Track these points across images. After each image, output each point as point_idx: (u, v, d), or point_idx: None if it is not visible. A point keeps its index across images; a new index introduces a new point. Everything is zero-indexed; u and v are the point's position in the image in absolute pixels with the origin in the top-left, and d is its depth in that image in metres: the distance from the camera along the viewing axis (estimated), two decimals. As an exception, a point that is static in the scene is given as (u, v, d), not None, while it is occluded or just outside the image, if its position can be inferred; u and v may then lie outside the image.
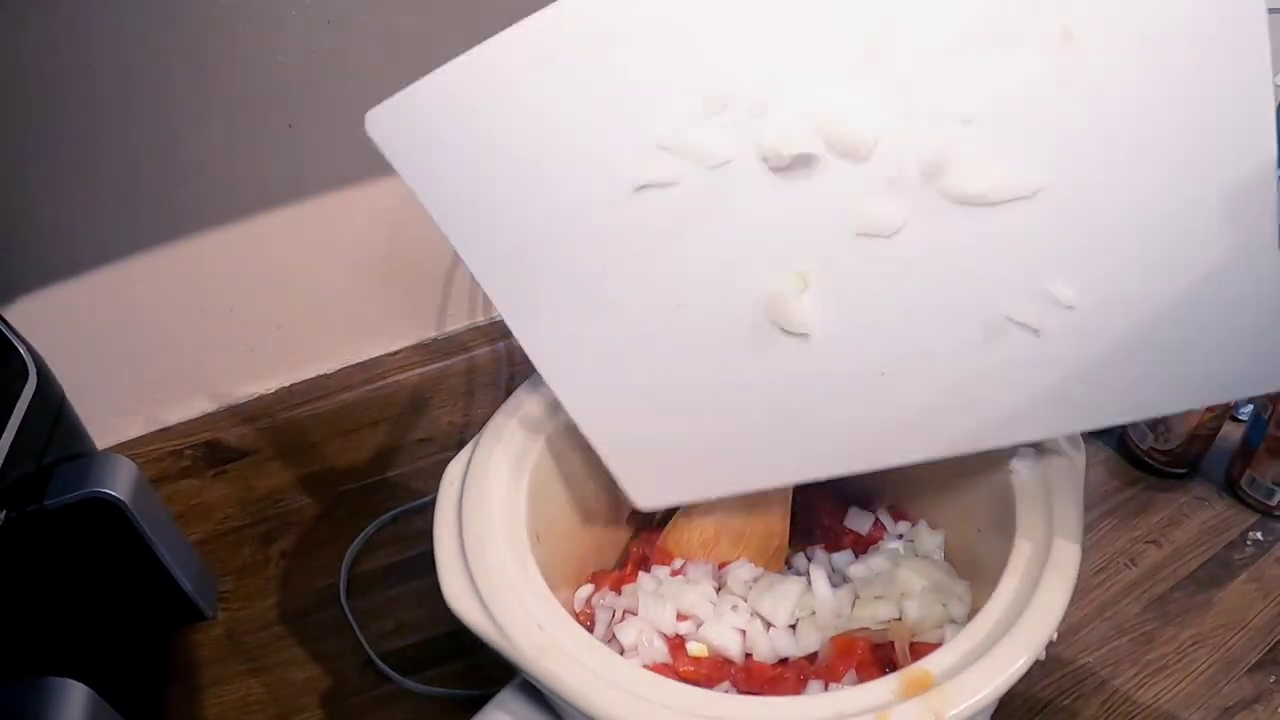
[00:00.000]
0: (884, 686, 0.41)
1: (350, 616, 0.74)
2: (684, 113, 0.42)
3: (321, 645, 0.72)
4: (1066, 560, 0.46)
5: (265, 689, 0.69)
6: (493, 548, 0.48)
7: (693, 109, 0.42)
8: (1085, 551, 0.70)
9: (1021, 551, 0.47)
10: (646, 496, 0.55)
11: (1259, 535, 0.76)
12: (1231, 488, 0.80)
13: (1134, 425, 0.83)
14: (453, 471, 0.54)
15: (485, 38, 0.72)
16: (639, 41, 0.41)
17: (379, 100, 0.74)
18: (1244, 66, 0.34)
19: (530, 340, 0.52)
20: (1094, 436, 0.87)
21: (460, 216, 0.50)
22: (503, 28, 0.76)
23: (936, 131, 0.39)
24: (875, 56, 0.39)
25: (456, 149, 0.47)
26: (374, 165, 0.76)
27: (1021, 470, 0.51)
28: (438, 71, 0.46)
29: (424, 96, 0.47)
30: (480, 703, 0.49)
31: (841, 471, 0.51)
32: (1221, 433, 0.80)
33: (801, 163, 0.42)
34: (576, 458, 0.59)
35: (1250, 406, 0.82)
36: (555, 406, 0.56)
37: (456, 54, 0.75)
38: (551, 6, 0.41)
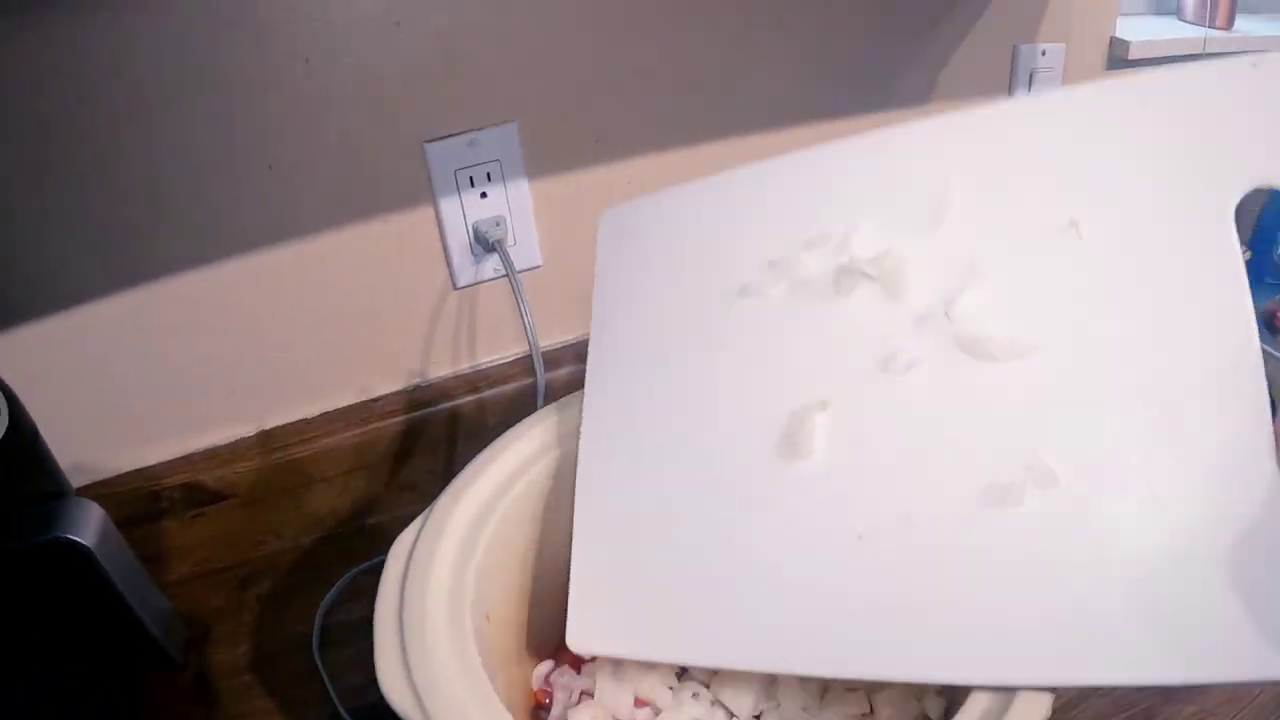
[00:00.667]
0: None
1: (321, 667, 0.73)
2: (793, 242, 0.56)
3: (290, 694, 0.71)
4: None
5: None
6: (430, 634, 0.47)
7: (797, 240, 0.56)
8: None
9: None
10: (582, 637, 0.52)
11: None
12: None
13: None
14: (399, 546, 0.53)
15: (461, 85, 0.71)
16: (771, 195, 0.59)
17: (361, 146, 0.75)
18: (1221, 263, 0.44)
19: (590, 423, 0.57)
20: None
21: (609, 306, 0.60)
22: (475, 78, 0.76)
23: (965, 284, 0.49)
24: (935, 222, 0.52)
25: (640, 251, 0.60)
26: (357, 210, 0.78)
27: None
28: (661, 193, 0.61)
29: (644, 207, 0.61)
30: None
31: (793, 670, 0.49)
32: None
33: (857, 286, 0.53)
34: (536, 533, 0.58)
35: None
36: (513, 476, 0.55)
37: (434, 104, 0.76)
38: (727, 173, 0.61)
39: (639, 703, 0.53)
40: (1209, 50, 1.13)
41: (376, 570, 0.79)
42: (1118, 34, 1.09)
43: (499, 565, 0.55)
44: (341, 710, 0.69)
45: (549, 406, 0.62)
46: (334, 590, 0.80)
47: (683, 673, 0.56)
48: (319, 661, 0.73)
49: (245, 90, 0.71)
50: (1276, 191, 0.43)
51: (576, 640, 0.51)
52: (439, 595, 0.49)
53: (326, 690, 0.71)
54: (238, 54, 0.70)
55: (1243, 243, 1.17)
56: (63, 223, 0.70)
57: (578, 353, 0.91)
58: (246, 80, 0.71)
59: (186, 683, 0.72)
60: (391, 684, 0.45)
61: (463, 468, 0.57)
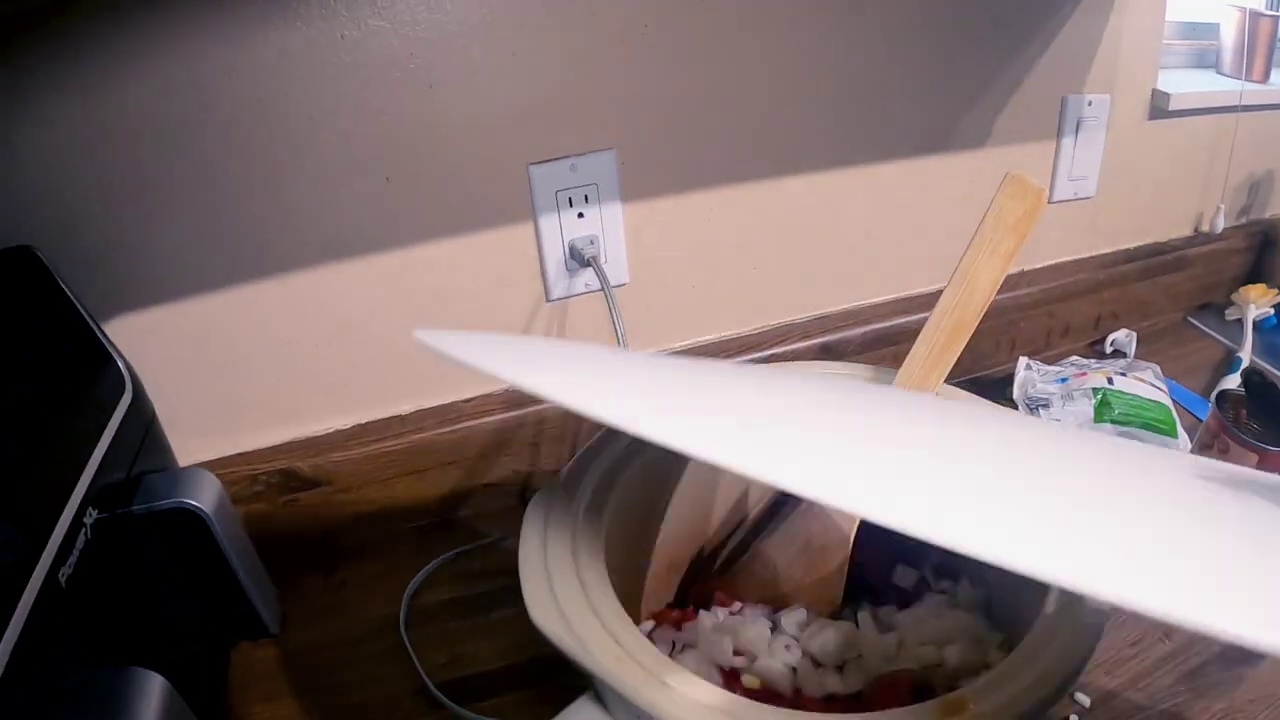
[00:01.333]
0: (923, 709, 0.44)
1: (408, 644, 0.76)
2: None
3: (376, 671, 0.74)
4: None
5: (317, 708, 0.71)
6: (573, 571, 0.53)
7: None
8: (1120, 624, 0.73)
9: (1051, 602, 0.50)
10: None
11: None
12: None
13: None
14: (537, 503, 0.58)
15: (567, 114, 0.74)
16: None
17: (471, 163, 0.80)
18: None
19: None
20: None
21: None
22: (580, 108, 0.80)
23: None
24: None
25: None
26: (463, 223, 0.84)
27: None
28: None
29: None
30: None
31: None
32: None
33: None
34: (651, 499, 0.62)
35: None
36: (633, 451, 0.60)
37: (541, 130, 0.81)
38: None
39: (737, 653, 0.58)
40: (1245, 102, 1.17)
41: (460, 560, 0.85)
42: (1159, 86, 1.13)
43: (621, 523, 0.60)
44: (429, 683, 0.72)
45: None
46: (420, 575, 0.84)
47: (775, 628, 0.61)
48: (406, 640, 0.77)
49: (370, 111, 0.76)
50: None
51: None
52: (577, 542, 0.55)
53: (411, 667, 0.74)
54: (363, 74, 0.76)
55: (1275, 285, 1.20)
56: (189, 217, 0.75)
57: None
58: (372, 102, 0.76)
59: (278, 655, 0.76)
60: (542, 614, 0.50)
61: (550, 470, 0.63)
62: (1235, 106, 1.18)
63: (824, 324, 1.06)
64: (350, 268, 0.82)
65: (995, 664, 0.54)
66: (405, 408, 0.90)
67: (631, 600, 0.64)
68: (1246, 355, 1.15)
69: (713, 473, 0.69)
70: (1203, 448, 0.81)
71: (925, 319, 1.06)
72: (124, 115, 0.70)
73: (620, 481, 0.61)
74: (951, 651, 0.55)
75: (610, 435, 0.63)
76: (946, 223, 1.06)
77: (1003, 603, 0.61)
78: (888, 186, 1.01)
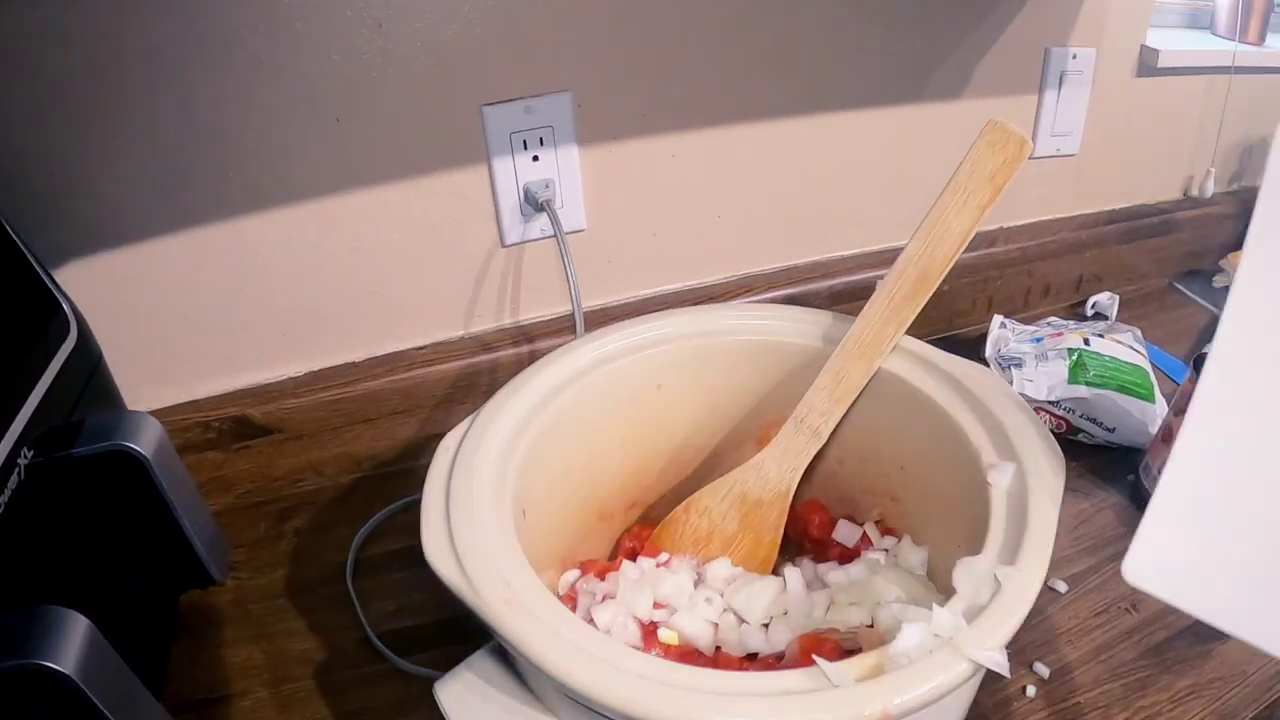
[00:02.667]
0: (834, 669, 0.42)
1: (353, 594, 0.76)
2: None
3: (323, 619, 0.74)
4: (1030, 574, 0.47)
5: (264, 655, 0.71)
6: (476, 509, 0.51)
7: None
8: (1086, 593, 0.72)
9: (987, 558, 0.48)
10: (1143, 569, 0.47)
11: (1269, 593, 0.74)
12: (1244, 541, 0.79)
13: (1148, 472, 0.83)
14: (449, 440, 0.56)
15: (522, 54, 0.72)
16: None
17: (422, 104, 0.78)
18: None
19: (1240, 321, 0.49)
20: (1107, 482, 0.87)
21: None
22: (535, 48, 0.78)
23: None
24: None
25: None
26: (415, 166, 0.81)
27: (999, 482, 0.52)
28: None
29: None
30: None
31: None
32: None
33: None
34: (574, 444, 0.61)
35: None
36: (557, 388, 0.58)
37: (495, 70, 0.78)
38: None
39: (657, 605, 0.56)
40: (1238, 64, 1.14)
41: (410, 509, 0.84)
42: (1148, 43, 1.10)
43: (538, 469, 0.58)
44: (370, 633, 0.72)
45: (595, 332, 0.66)
46: (369, 525, 0.83)
47: (700, 581, 0.60)
48: (351, 589, 0.76)
49: (317, 47, 0.74)
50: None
51: (1135, 570, 0.46)
52: (483, 483, 0.53)
53: (357, 615, 0.73)
54: (312, 13, 0.73)
55: None
56: (134, 160, 0.73)
57: (613, 316, 0.94)
58: (318, 38, 0.74)
59: (224, 602, 0.75)
60: (437, 553, 0.48)
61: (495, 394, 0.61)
62: (1228, 68, 1.15)
63: (790, 275, 1.04)
64: (301, 212, 0.80)
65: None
66: (358, 355, 0.89)
67: (559, 550, 0.62)
68: None
69: (647, 422, 0.68)
70: (1179, 413, 0.79)
71: None
72: (65, 60, 0.68)
73: (537, 424, 0.59)
74: (885, 613, 0.53)
75: (530, 375, 0.61)
76: (919, 175, 1.02)
77: (945, 562, 0.59)
78: (858, 136, 0.99)
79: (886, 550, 0.64)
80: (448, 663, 0.65)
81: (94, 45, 0.68)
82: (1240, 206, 1.27)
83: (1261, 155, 1.20)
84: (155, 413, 0.77)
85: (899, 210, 1.04)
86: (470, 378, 0.91)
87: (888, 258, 1.01)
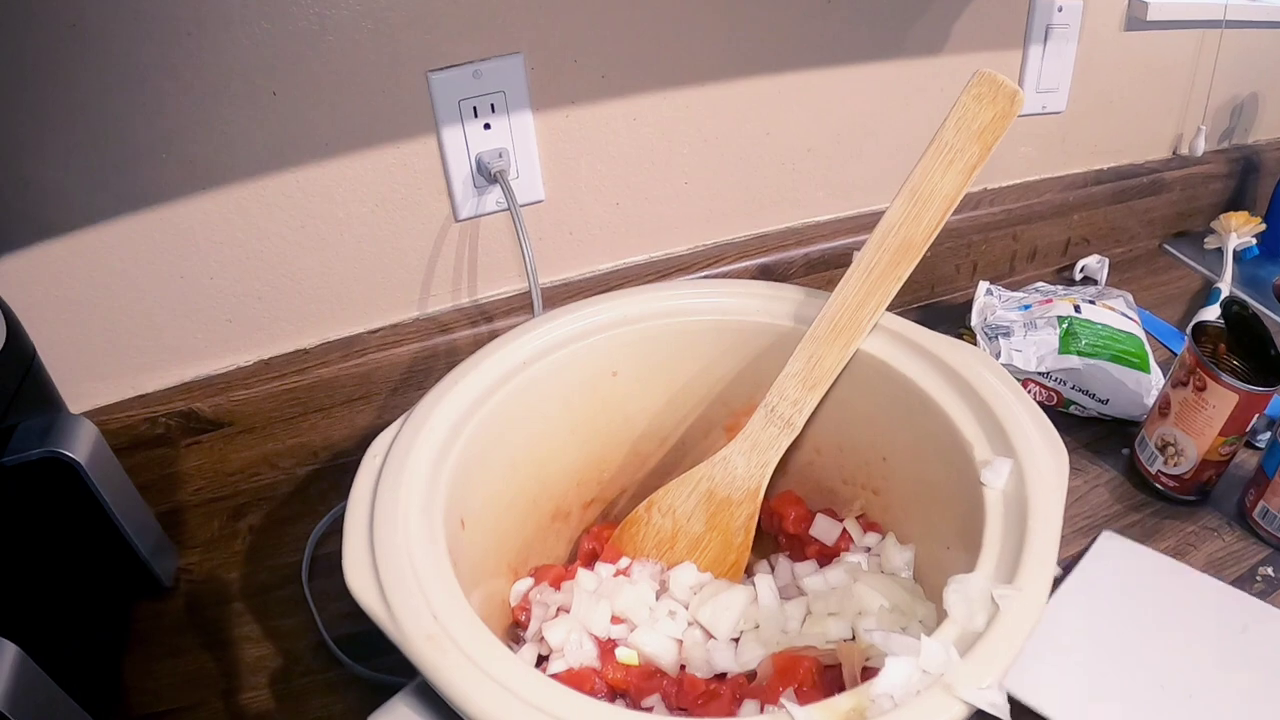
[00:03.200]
0: (806, 716, 0.38)
1: (309, 596, 0.73)
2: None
3: (279, 623, 0.72)
4: (1032, 595, 0.42)
5: (217, 664, 0.68)
6: (402, 526, 0.46)
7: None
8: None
9: (982, 575, 0.43)
10: None
11: (1270, 571, 0.72)
12: (1243, 518, 0.76)
13: (1144, 446, 0.80)
14: (378, 444, 0.52)
15: (467, 15, 0.67)
16: None
17: (364, 73, 0.74)
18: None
19: None
20: (1100, 456, 0.84)
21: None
22: (482, 8, 0.73)
23: None
24: None
25: None
26: (360, 138, 0.77)
27: (994, 482, 0.48)
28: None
29: None
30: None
31: None
32: (1236, 459, 0.77)
33: None
34: (519, 440, 0.56)
35: (1268, 433, 0.79)
36: (498, 382, 0.54)
37: (440, 33, 0.74)
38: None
39: (615, 620, 0.52)
40: (1230, 17, 1.10)
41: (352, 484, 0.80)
42: (1139, -7, 1.05)
43: (478, 471, 0.54)
44: (326, 637, 0.69)
45: (539, 318, 0.61)
46: (325, 521, 0.80)
47: (663, 590, 0.55)
48: (307, 591, 0.73)
49: (246, 15, 0.70)
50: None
51: None
52: (412, 494, 0.48)
53: (313, 618, 0.71)
54: None
55: (1259, 214, 1.15)
56: (62, 143, 0.69)
57: (577, 290, 0.91)
58: (247, 5, 0.69)
59: (175, 609, 0.72)
60: (357, 579, 0.45)
61: (430, 389, 0.56)
62: (1219, 21, 1.11)
63: (763, 243, 1.00)
64: (240, 192, 0.76)
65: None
66: (309, 341, 0.86)
67: (510, 556, 0.58)
68: (1226, 286, 1.10)
69: (602, 412, 0.63)
70: (1176, 384, 0.77)
71: None
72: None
73: (476, 422, 0.54)
74: (867, 624, 0.49)
75: (467, 370, 0.56)
76: (897, 135, 1.00)
77: (933, 562, 0.56)
78: (832, 95, 0.95)
79: (869, 549, 0.59)
80: (405, 669, 0.63)
81: (10, 18, 0.64)
82: (1230, 166, 1.23)
83: (1253, 112, 1.20)
84: (99, 410, 0.79)
85: (876, 172, 1.01)
86: (427, 361, 0.88)
87: (866, 223, 1.02)
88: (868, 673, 0.47)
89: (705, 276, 0.97)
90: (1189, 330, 0.77)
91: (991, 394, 0.53)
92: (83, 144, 0.69)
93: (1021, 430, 0.51)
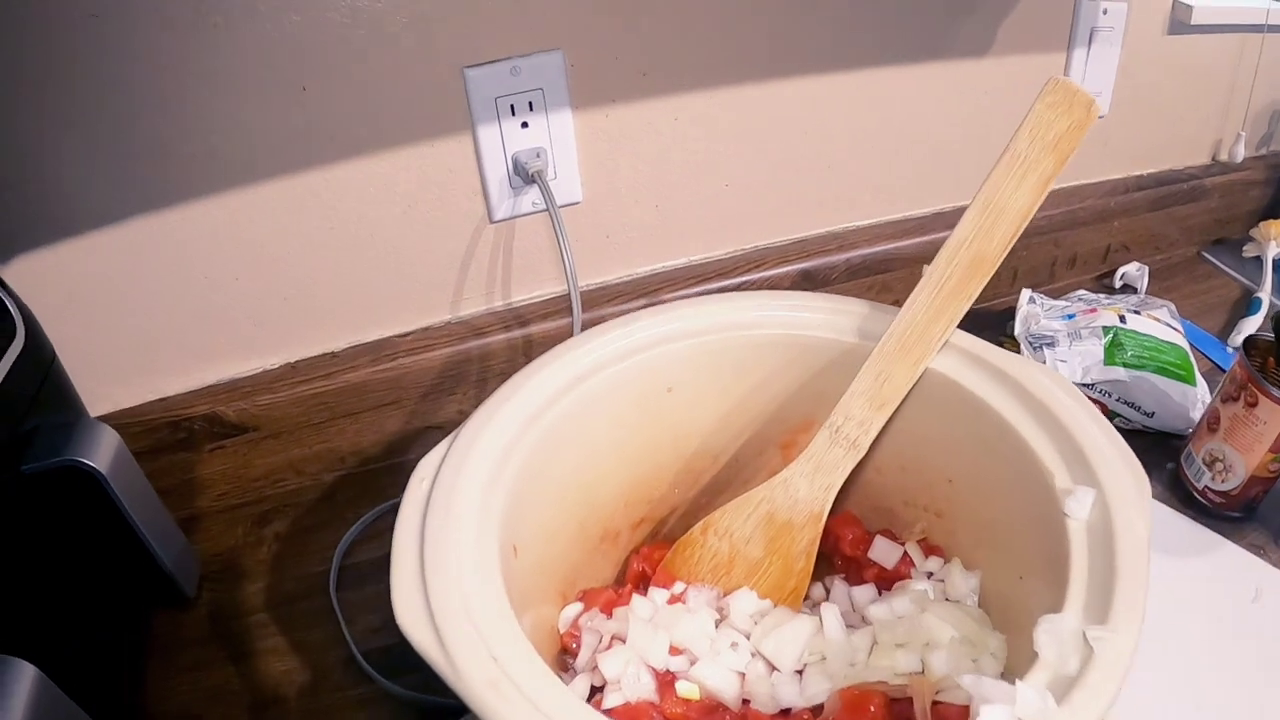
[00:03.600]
0: None
1: (338, 608, 0.71)
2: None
3: (306, 636, 0.70)
4: (1127, 637, 0.40)
5: (242, 678, 0.67)
6: (455, 556, 0.44)
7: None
8: None
9: (1073, 615, 0.41)
10: None
11: (1317, 589, 0.70)
12: (1290, 535, 0.75)
13: (1190, 461, 0.78)
14: (425, 468, 0.49)
15: (506, 10, 0.65)
16: None
17: (398, 68, 0.71)
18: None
19: None
20: (1145, 468, 0.82)
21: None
22: (521, 3, 0.71)
23: None
24: None
25: None
26: (392, 136, 0.75)
27: (1077, 513, 0.45)
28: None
29: None
30: (461, 714, 0.45)
31: None
32: None
33: None
34: (571, 460, 0.54)
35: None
36: (550, 400, 0.51)
37: (477, 28, 0.72)
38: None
39: (674, 651, 0.49)
40: (1271, 21, 1.07)
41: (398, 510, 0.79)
42: (1182, -2, 1.03)
43: (530, 495, 0.51)
44: (356, 652, 0.67)
45: (588, 331, 0.58)
46: (354, 529, 0.78)
47: (723, 619, 0.53)
48: (335, 602, 0.72)
49: (275, 5, 0.67)
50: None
51: None
52: (464, 522, 0.46)
53: (341, 632, 0.69)
54: None
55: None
56: (83, 139, 0.67)
57: (614, 294, 0.90)
58: (284, 1, 0.67)
59: (198, 620, 0.71)
60: (409, 617, 0.42)
61: (478, 408, 0.54)
62: (1261, 26, 1.09)
63: (803, 248, 0.98)
64: (268, 190, 0.74)
65: (991, 675, 0.46)
66: (337, 344, 0.84)
67: (557, 581, 0.55)
68: (1266, 295, 1.08)
69: (655, 430, 0.61)
70: (1227, 399, 0.75)
71: (916, 245, 0.99)
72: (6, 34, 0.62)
73: (527, 443, 0.52)
74: (936, 658, 0.46)
75: (518, 385, 0.54)
76: (940, 139, 0.98)
77: (1001, 591, 0.53)
78: (877, 97, 0.93)
79: (931, 574, 0.57)
80: (440, 687, 0.62)
81: (26, 8, 0.61)
82: (1269, 173, 1.21)
83: None
84: (121, 413, 0.78)
85: (919, 176, 0.99)
86: (459, 365, 0.86)
87: (907, 227, 1.00)
88: (937, 708, 0.45)
89: (745, 281, 0.95)
90: (1239, 344, 0.76)
91: (1069, 417, 0.51)
92: (103, 140, 0.67)
93: (1102, 457, 0.48)
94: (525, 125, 0.78)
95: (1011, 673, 0.42)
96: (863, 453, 0.57)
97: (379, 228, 0.79)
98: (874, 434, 0.56)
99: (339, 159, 0.75)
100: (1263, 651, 0.64)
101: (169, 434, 0.78)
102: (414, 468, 0.76)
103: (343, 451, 0.85)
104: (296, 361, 0.83)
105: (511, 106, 0.77)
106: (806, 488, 0.57)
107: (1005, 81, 0.96)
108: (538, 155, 0.79)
